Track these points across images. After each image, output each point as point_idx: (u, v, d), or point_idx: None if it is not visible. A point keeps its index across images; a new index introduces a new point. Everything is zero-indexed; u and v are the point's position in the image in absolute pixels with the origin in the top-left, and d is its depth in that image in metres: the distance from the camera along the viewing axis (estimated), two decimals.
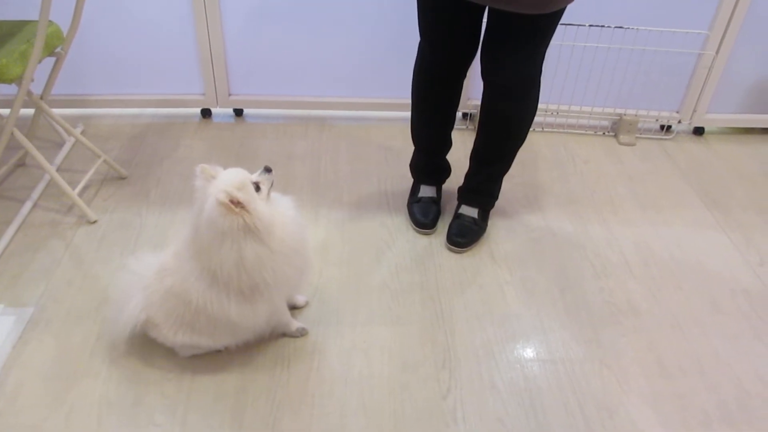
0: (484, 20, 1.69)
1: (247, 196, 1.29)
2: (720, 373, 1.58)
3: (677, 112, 2.59)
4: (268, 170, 1.39)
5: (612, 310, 1.75)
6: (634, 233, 2.04)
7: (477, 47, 1.76)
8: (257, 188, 1.34)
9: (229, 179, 1.30)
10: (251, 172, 1.39)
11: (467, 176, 1.99)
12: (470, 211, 1.97)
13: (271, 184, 1.40)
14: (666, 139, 2.59)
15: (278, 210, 1.39)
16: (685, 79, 2.51)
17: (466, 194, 2.00)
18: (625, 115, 2.55)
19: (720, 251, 1.99)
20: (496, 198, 2.01)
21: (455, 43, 1.73)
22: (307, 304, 1.71)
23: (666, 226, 2.09)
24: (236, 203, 1.26)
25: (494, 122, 1.84)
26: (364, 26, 2.41)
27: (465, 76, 1.84)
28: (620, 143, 2.54)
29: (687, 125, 2.63)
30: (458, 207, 2.01)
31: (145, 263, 1.51)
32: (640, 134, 2.59)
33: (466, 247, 1.93)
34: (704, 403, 1.51)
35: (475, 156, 1.94)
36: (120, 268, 1.58)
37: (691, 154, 2.51)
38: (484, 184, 1.98)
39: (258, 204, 1.31)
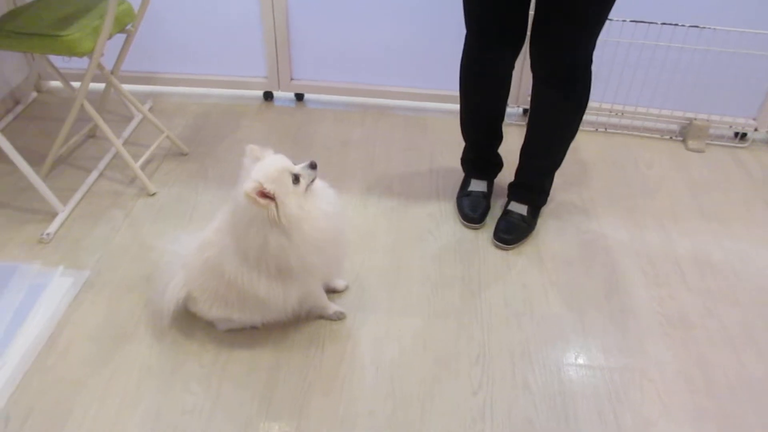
0: (531, 9, 1.65)
1: (281, 187, 1.30)
2: None
3: (754, 119, 2.44)
4: (313, 166, 1.38)
5: (661, 321, 1.68)
6: (693, 243, 1.95)
7: (524, 37, 1.72)
8: (296, 179, 1.34)
9: (268, 167, 1.32)
10: (305, 157, 1.40)
11: (517, 171, 1.96)
12: (519, 208, 1.93)
13: (312, 181, 1.39)
14: (740, 148, 2.45)
15: (313, 204, 1.38)
16: (764, 84, 2.36)
17: (515, 190, 1.96)
18: (695, 119, 2.42)
19: None
20: (547, 195, 1.96)
21: (501, 33, 1.70)
22: (346, 288, 1.73)
23: (730, 239, 1.98)
24: (266, 195, 1.28)
25: (543, 113, 1.79)
26: (428, 17, 2.39)
27: (512, 67, 1.80)
28: (688, 149, 2.42)
29: (765, 133, 2.48)
30: (507, 203, 1.97)
31: (184, 243, 1.57)
32: (711, 141, 2.46)
33: (512, 244, 1.89)
34: (751, 426, 1.42)
35: (525, 150, 1.90)
36: (171, 243, 1.65)
37: (766, 164, 2.37)
38: (534, 180, 1.93)
39: (289, 198, 1.31)
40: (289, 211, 1.31)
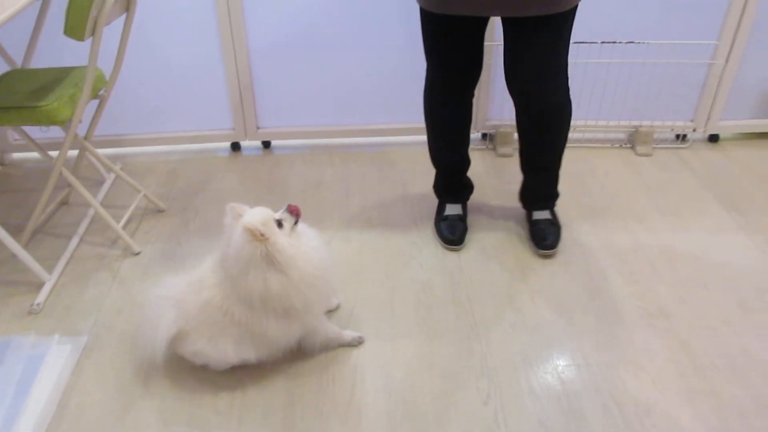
0: (488, 33, 1.77)
1: (269, 231, 1.39)
2: (753, 368, 1.62)
3: (692, 121, 2.66)
4: (291, 211, 1.49)
5: (642, 314, 1.80)
6: (658, 239, 2.10)
7: (481, 62, 1.85)
8: (279, 225, 1.44)
9: (254, 216, 1.41)
10: (280, 202, 1.50)
11: (526, 187, 2.09)
12: (543, 215, 2.07)
13: (294, 222, 1.49)
14: (682, 148, 2.65)
15: (301, 242, 1.49)
16: (697, 89, 2.58)
17: (532, 203, 2.10)
18: (641, 126, 2.62)
19: (743, 252, 2.04)
20: (558, 194, 2.10)
21: (459, 60, 1.83)
22: (338, 307, 1.82)
23: (688, 231, 2.14)
24: (261, 234, 1.36)
25: (534, 137, 1.93)
26: (384, 56, 2.52)
27: (473, 93, 1.93)
28: (637, 154, 2.61)
29: (702, 133, 2.69)
30: (530, 215, 2.09)
31: (169, 284, 1.59)
32: (657, 145, 2.65)
33: (554, 248, 2.00)
34: (739, 397, 1.54)
35: (527, 165, 2.03)
36: (155, 287, 1.66)
37: (707, 161, 2.57)
38: (545, 188, 2.07)
39: (279, 238, 1.41)
40: (282, 249, 1.40)
